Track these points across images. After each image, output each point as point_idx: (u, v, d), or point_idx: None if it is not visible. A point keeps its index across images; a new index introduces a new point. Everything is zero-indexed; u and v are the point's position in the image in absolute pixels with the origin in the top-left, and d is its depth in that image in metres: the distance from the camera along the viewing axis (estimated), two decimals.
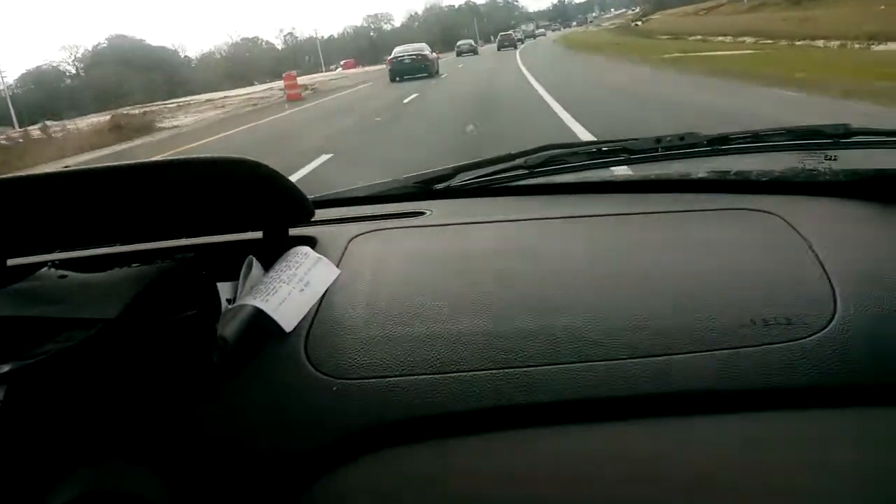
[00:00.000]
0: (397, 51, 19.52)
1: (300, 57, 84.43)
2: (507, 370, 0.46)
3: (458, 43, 41.72)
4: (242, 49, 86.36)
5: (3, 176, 0.50)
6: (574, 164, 0.86)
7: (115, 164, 0.50)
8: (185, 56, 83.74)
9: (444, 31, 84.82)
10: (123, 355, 0.50)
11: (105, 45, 71.85)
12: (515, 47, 34.84)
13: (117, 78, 58.09)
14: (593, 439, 0.43)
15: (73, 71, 70.59)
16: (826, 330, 0.47)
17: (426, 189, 0.88)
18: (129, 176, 0.52)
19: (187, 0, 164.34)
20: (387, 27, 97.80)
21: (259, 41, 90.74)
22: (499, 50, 35.32)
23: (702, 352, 0.46)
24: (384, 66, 23.10)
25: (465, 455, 0.43)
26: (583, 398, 0.44)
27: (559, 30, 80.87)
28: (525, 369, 0.46)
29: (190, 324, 0.52)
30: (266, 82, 46.46)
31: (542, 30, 76.94)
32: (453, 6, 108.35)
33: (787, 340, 0.46)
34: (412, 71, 18.08)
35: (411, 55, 18.62)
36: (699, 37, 21.09)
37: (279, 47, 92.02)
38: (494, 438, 0.43)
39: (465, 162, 0.91)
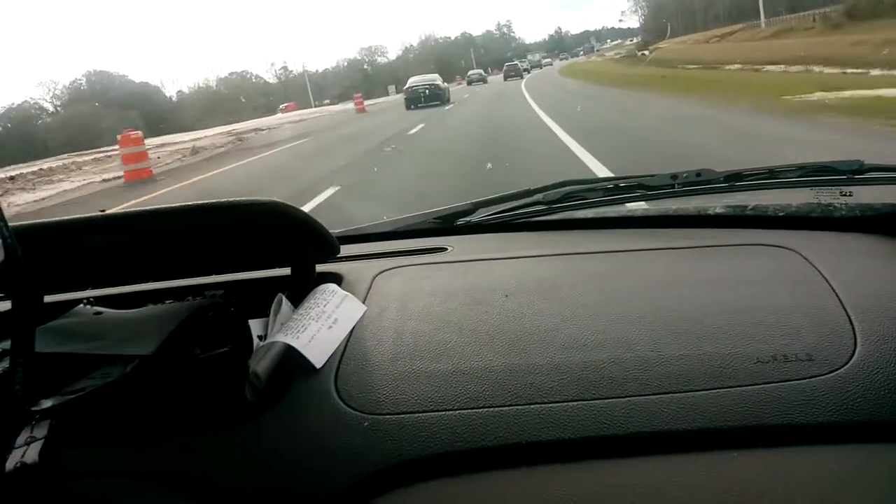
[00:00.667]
0: (412, 81, 21.95)
1: (292, 91, 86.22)
2: (531, 406, 0.49)
3: (469, 73, 46.87)
4: (230, 84, 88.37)
5: (44, 220, 0.54)
6: (592, 200, 0.91)
7: (152, 208, 0.54)
8: (178, 92, 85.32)
9: (440, 63, 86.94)
10: (159, 391, 0.53)
11: (83, 81, 73.38)
12: (522, 77, 36.99)
13: (94, 116, 58.40)
14: (617, 475, 0.45)
15: (51, 109, 71.76)
16: (847, 366, 0.49)
17: (447, 225, 0.93)
18: (164, 220, 0.56)
19: (174, 33, 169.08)
20: (381, 59, 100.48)
21: (248, 75, 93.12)
22: (505, 80, 36.87)
23: (723, 388, 0.49)
24: (375, 101, 23.97)
25: (492, 490, 0.46)
26: (606, 435, 0.47)
27: (567, 59, 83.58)
28: (549, 405, 0.49)
29: (223, 360, 0.56)
30: (255, 117, 47.29)
31: (549, 59, 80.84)
32: (449, 38, 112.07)
33: (808, 377, 0.49)
34: (426, 99, 20.11)
35: (425, 85, 20.82)
36: (739, 65, 18.90)
37: (272, 81, 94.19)
38: (521, 474, 0.46)
39: (485, 198, 0.96)
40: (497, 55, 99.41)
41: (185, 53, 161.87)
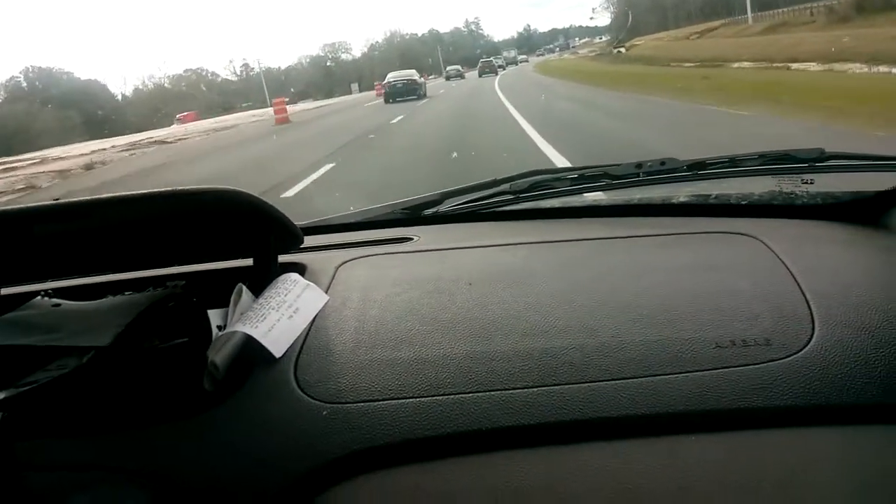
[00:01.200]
0: (391, 76, 24.17)
1: (252, 88, 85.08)
2: (491, 393, 0.51)
3: (447, 68, 51.07)
4: (184, 82, 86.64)
5: None
6: (559, 190, 0.95)
7: (103, 196, 0.54)
8: (135, 89, 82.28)
9: (405, 60, 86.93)
10: (116, 382, 0.54)
11: (21, 78, 70.97)
12: (496, 73, 39.03)
13: (28, 116, 55.54)
14: (578, 460, 0.47)
15: None
16: (804, 351, 0.52)
17: (414, 215, 0.95)
18: (118, 208, 0.57)
19: (124, 27, 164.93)
20: (346, 56, 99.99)
21: (204, 73, 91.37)
22: (480, 76, 39.00)
23: (682, 373, 0.51)
24: (328, 102, 23.80)
25: (453, 476, 0.48)
26: (565, 420, 0.49)
27: (542, 55, 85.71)
28: (510, 391, 0.51)
29: (181, 351, 0.57)
30: (209, 117, 46.20)
31: (525, 56, 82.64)
32: (416, 34, 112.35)
33: (765, 361, 0.52)
34: (404, 93, 22.29)
35: (403, 80, 22.96)
36: (751, 63, 16.64)
37: (233, 79, 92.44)
38: (480, 460, 0.48)
39: (452, 188, 0.98)
40: (466, 52, 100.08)
41: (138, 49, 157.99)
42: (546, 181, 0.95)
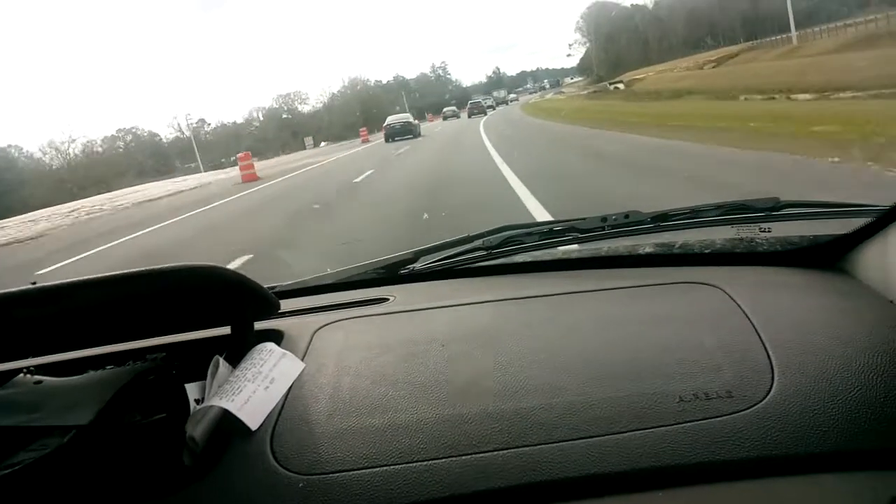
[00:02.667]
0: (390, 119, 32.06)
1: (192, 149, 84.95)
2: (464, 457, 0.58)
3: (444, 109, 59.24)
4: (119, 142, 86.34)
5: None
6: (530, 244, 1.04)
7: (83, 278, 0.61)
8: (70, 155, 78.55)
9: (368, 109, 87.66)
10: (97, 460, 0.61)
11: None
12: (485, 113, 43.83)
13: None
14: None
15: None
16: (764, 401, 0.59)
17: (390, 274, 1.04)
18: (97, 289, 0.63)
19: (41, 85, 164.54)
20: (303, 108, 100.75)
21: (139, 132, 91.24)
22: (469, 117, 43.60)
23: (647, 429, 0.58)
24: (265, 163, 22.72)
25: None
26: (536, 482, 0.55)
27: (535, 92, 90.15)
28: (482, 455, 0.58)
29: (160, 426, 0.65)
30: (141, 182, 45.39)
31: (514, 96, 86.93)
32: (381, 81, 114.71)
33: (728, 413, 0.58)
34: (402, 133, 29.25)
35: (400, 122, 30.73)
36: (803, 95, 15.01)
37: (183, 136, 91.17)
38: None
39: (427, 246, 1.08)
40: (434, 98, 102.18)
41: (58, 111, 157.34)
42: (517, 236, 1.06)
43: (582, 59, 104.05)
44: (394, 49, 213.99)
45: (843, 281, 0.79)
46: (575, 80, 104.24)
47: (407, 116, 32.29)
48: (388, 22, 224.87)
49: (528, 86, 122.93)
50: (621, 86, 40.81)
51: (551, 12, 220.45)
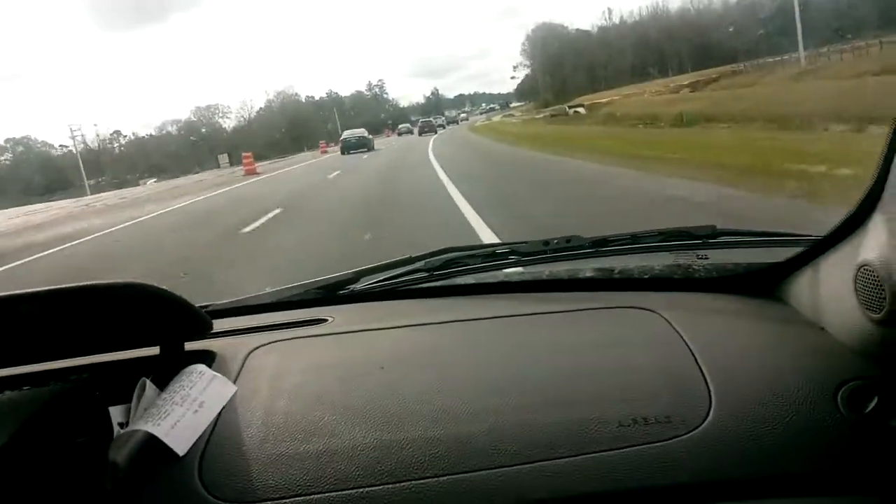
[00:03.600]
0: (346, 134, 36.62)
1: (99, 163, 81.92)
2: (402, 483, 0.60)
3: (399, 126, 64.19)
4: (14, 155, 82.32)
5: None
6: (472, 267, 1.09)
7: (2, 294, 0.61)
8: None
9: (296, 127, 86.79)
10: (11, 484, 0.60)
11: None
12: (435, 132, 45.83)
13: None
14: None
15: None
16: (702, 426, 0.63)
17: (329, 294, 1.06)
18: (16, 306, 0.63)
19: None
20: (224, 122, 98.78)
21: (31, 143, 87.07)
22: (420, 135, 45.66)
23: (586, 454, 0.61)
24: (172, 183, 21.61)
25: None
26: None
27: (484, 113, 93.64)
28: (419, 482, 0.60)
29: (81, 450, 0.65)
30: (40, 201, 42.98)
31: (465, 114, 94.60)
32: (312, 97, 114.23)
33: (667, 438, 0.62)
34: (357, 146, 33.00)
35: (356, 136, 34.90)
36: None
37: (93, 147, 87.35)
38: None
39: (368, 266, 1.11)
40: (369, 117, 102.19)
41: None
42: (459, 258, 1.10)
43: (521, 83, 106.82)
44: (328, 65, 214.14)
45: (777, 308, 0.84)
46: (518, 104, 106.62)
47: (362, 131, 36.65)
48: (324, 37, 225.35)
49: (467, 108, 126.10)
50: (581, 110, 39.23)
51: (490, 37, 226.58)
